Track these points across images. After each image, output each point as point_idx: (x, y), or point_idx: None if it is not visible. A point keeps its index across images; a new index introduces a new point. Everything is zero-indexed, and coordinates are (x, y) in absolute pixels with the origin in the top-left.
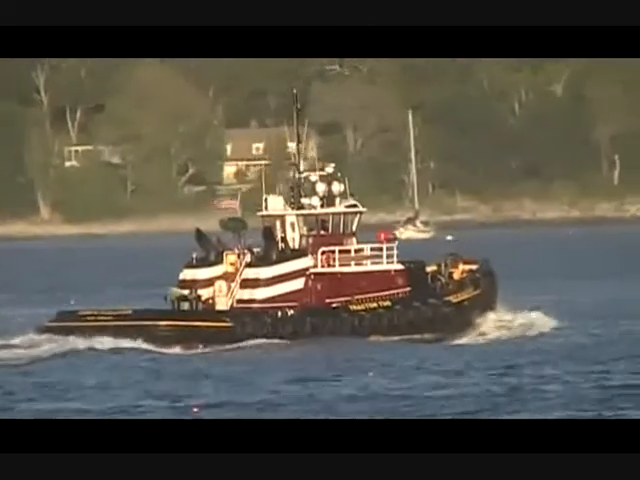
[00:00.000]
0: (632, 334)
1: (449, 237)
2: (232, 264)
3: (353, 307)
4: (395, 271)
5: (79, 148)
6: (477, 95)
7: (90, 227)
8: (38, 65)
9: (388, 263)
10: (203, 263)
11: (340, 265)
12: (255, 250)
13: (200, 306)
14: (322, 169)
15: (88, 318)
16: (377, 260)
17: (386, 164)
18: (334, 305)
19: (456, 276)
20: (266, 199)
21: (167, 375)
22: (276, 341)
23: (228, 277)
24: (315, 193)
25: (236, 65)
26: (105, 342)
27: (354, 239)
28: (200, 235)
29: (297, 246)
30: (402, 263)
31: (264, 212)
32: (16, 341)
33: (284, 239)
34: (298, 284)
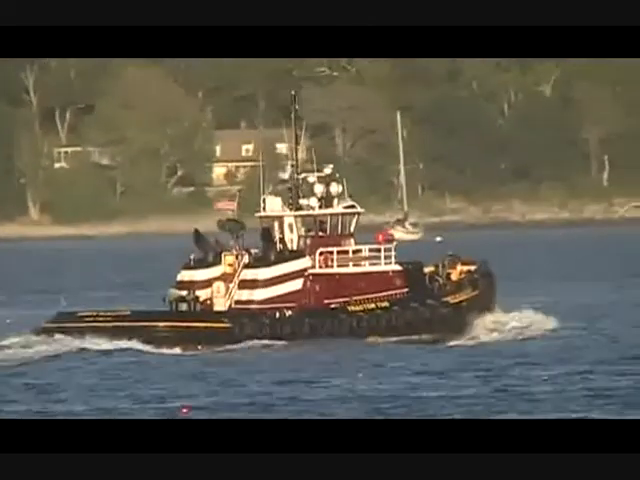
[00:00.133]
0: (620, 336)
1: (438, 238)
2: (230, 265)
3: (351, 308)
4: (393, 272)
5: (68, 149)
6: (466, 96)
7: (79, 228)
8: (27, 65)
9: (386, 264)
10: (201, 264)
11: (338, 266)
12: (253, 251)
13: (198, 307)
14: (320, 170)
15: (87, 319)
16: (375, 261)
17: (375, 165)
18: (332, 306)
19: (454, 277)
20: (264, 200)
21: (166, 376)
22: (275, 342)
23: (226, 278)
24: (313, 194)
25: (225, 66)
26: (103, 343)
27: (352, 240)
28: (198, 236)
29: (295, 247)
30: (400, 264)
31: (262, 213)
32: (6, 342)
33: (282, 240)
34: (296, 285)
